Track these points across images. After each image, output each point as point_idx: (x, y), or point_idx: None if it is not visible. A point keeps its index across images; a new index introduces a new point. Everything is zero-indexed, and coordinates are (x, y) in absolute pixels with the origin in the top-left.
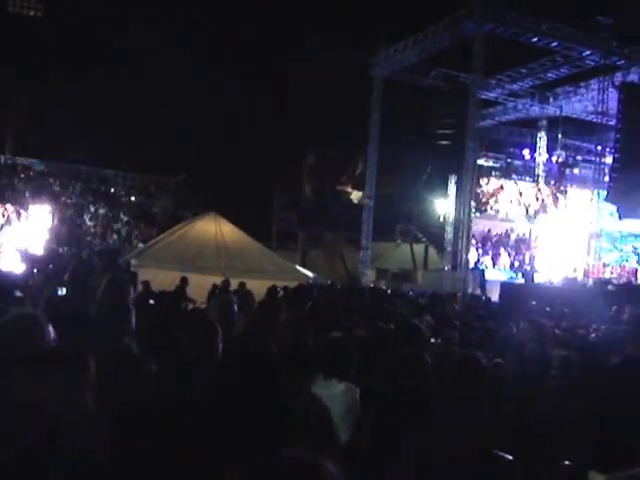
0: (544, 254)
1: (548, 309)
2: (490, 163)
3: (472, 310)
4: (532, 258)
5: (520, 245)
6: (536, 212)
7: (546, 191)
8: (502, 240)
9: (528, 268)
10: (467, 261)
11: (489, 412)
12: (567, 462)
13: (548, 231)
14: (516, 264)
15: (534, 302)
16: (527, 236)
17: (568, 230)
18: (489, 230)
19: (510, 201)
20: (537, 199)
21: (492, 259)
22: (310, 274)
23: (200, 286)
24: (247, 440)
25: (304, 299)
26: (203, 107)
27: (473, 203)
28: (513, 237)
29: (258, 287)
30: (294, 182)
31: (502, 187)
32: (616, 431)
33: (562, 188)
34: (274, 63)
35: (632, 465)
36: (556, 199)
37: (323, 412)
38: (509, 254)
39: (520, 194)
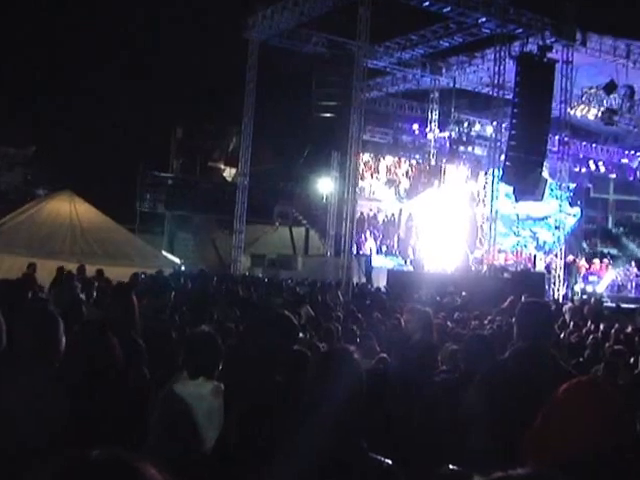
0: (427, 239)
1: (438, 299)
2: (376, 138)
3: (357, 300)
4: (402, 243)
5: (389, 228)
6: (408, 192)
7: (433, 169)
8: (369, 221)
9: (397, 253)
10: (352, 246)
11: (368, 411)
12: (451, 466)
13: (432, 214)
14: (384, 249)
15: (453, 288)
16: (396, 218)
17: (456, 213)
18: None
19: (377, 179)
20: (419, 178)
21: (356, 243)
22: (177, 260)
23: (52, 274)
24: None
25: (167, 288)
26: (57, 70)
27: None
28: (381, 218)
29: (119, 275)
30: (161, 158)
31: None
32: (503, 429)
33: (454, 166)
34: (137, 24)
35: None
36: (440, 178)
37: (185, 413)
38: (375, 237)
39: (389, 170)
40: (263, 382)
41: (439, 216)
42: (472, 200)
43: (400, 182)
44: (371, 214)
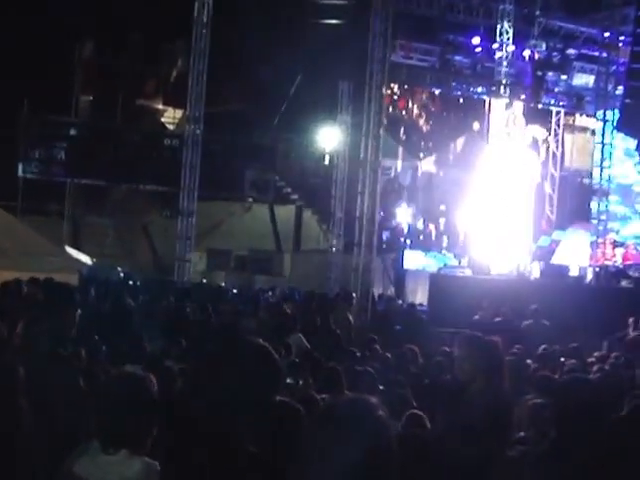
0: (464, 218)
1: (522, 324)
2: (413, 61)
3: (380, 324)
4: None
5: (391, 198)
6: (427, 140)
7: (470, 104)
8: None
9: (406, 241)
10: (373, 236)
11: None
12: None
13: (470, 176)
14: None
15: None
16: (407, 182)
17: (510, 176)
18: None
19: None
20: (447, 118)
21: None
22: (86, 259)
23: None
24: None
25: (68, 304)
26: None
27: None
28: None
29: None
30: (58, 92)
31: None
32: None
33: (539, 106)
34: None
35: None
36: (482, 119)
37: None
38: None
39: (395, 104)
40: (227, 456)
41: (482, 181)
42: (533, 154)
43: (417, 124)
44: None
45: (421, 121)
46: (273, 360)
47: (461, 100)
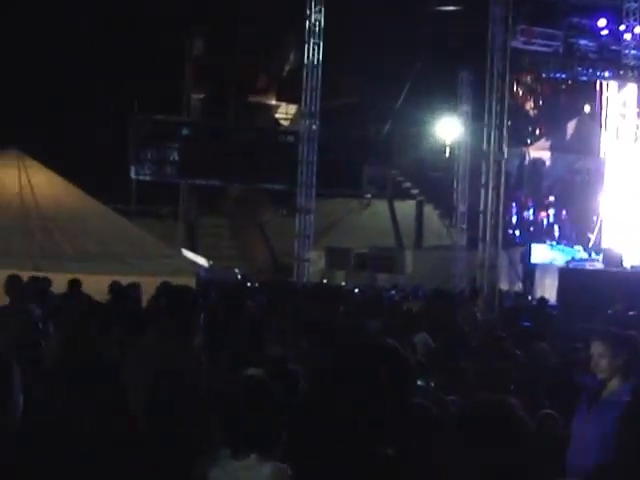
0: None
1: None
2: (535, 47)
3: (509, 321)
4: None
5: None
6: (534, 126)
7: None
8: None
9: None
10: (498, 230)
11: None
12: None
13: (586, 163)
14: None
15: None
16: (514, 173)
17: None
18: None
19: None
20: (556, 102)
21: None
22: (203, 261)
23: None
24: None
25: (192, 308)
26: None
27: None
28: None
29: (103, 288)
30: (168, 91)
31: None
32: None
33: (615, 83)
34: None
35: None
36: (596, 100)
37: None
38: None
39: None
40: (363, 460)
41: (606, 167)
42: None
43: (523, 108)
44: None
45: (528, 105)
46: (405, 360)
47: (570, 82)
